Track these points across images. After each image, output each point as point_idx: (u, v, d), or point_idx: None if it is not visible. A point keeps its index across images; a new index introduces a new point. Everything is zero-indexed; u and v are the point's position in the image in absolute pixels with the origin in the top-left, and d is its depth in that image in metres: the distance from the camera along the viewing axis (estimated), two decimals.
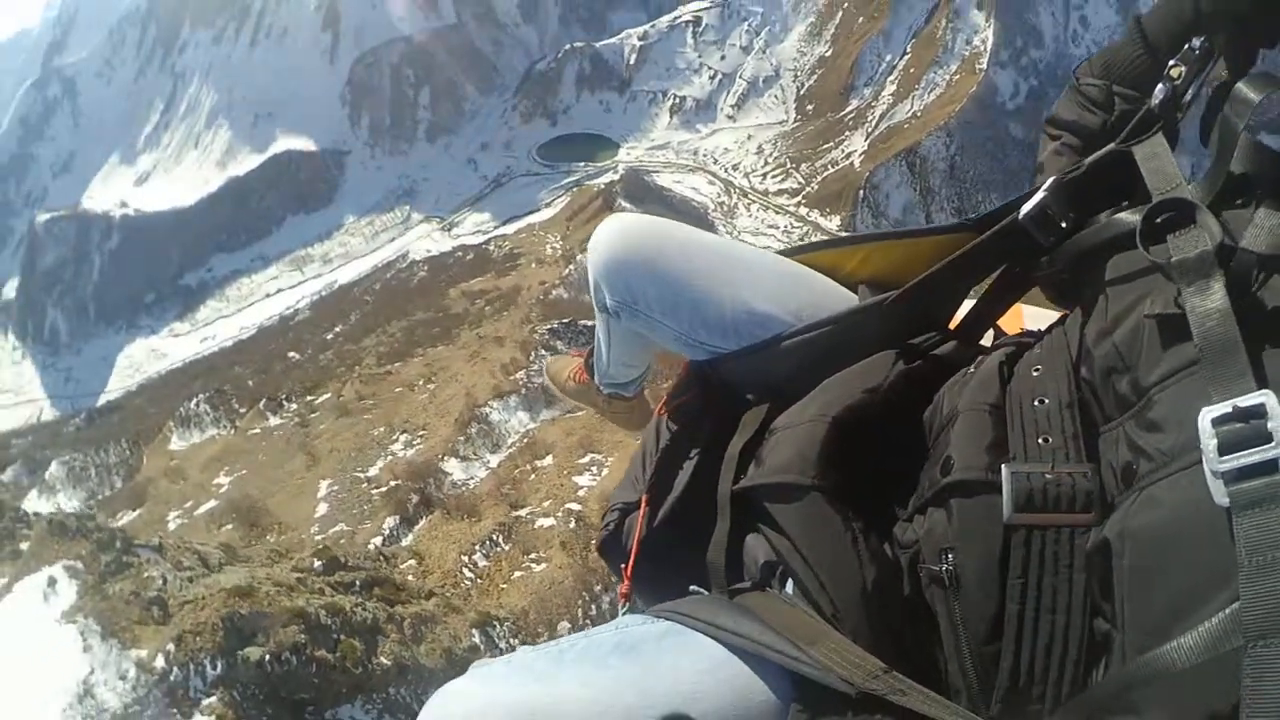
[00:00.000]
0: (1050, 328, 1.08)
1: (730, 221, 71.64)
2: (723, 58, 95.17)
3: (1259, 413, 0.68)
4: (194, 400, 18.97)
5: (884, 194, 68.97)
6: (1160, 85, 1.03)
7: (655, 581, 1.30)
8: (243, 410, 18.02)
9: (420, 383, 17.20)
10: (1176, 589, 0.71)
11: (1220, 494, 0.68)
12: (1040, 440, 0.90)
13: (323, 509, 10.87)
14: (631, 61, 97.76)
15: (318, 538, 9.36)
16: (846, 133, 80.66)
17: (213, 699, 2.98)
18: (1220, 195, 0.87)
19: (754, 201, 76.11)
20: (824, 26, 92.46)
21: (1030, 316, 1.53)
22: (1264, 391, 0.70)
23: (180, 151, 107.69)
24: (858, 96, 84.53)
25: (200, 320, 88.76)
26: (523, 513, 9.21)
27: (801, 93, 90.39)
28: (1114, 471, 0.83)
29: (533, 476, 10.64)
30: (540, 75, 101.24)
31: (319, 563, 5.63)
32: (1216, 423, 0.70)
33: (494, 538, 8.29)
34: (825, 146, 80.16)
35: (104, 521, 5.35)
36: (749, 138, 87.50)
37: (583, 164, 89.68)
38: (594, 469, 10.32)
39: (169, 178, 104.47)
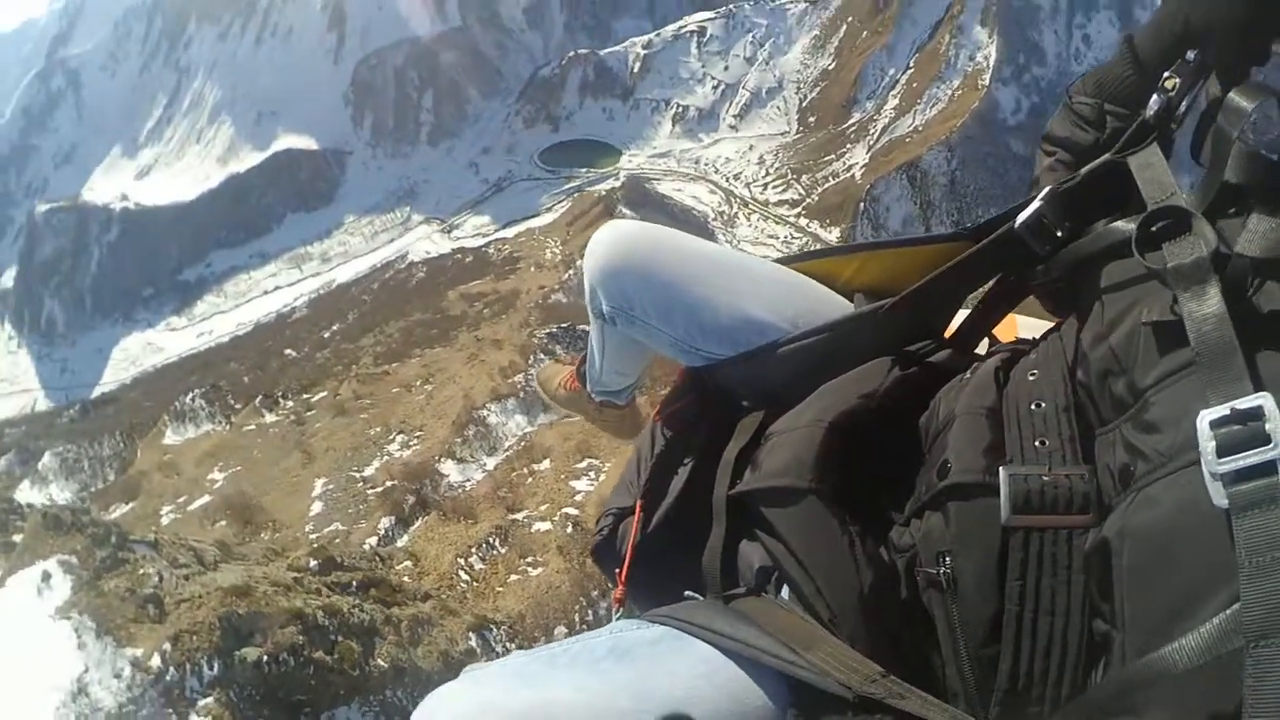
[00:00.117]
0: (1046, 334, 1.08)
1: (730, 231, 71.76)
2: (726, 68, 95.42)
3: (1257, 415, 0.69)
4: (189, 395, 18.85)
5: (884, 206, 69.10)
6: (1155, 96, 1.03)
7: (649, 587, 1.30)
8: (238, 406, 17.93)
9: (418, 384, 17.13)
10: (1176, 588, 0.71)
11: (1219, 496, 0.68)
12: (1037, 443, 0.90)
13: (317, 508, 10.78)
14: (635, 69, 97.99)
15: (312, 537, 9.29)
16: (848, 145, 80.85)
17: (209, 700, 2.92)
18: (1214, 204, 0.88)
19: (754, 211, 76.25)
20: (828, 39, 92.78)
21: (1024, 326, 1.54)
22: (1262, 394, 0.70)
23: (182, 146, 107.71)
24: (860, 109, 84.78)
25: (197, 315, 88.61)
26: (519, 516, 9.14)
27: (804, 104, 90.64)
28: (1111, 474, 0.83)
29: (530, 480, 10.57)
30: (544, 81, 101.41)
31: (315, 562, 5.57)
32: (1215, 425, 0.70)
33: (490, 541, 8.22)
34: (826, 158, 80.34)
35: (99, 516, 5.28)
36: (751, 148, 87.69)
37: (584, 170, 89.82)
38: (591, 474, 10.26)
39: (170, 172, 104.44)
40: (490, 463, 11.74)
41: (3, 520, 5.27)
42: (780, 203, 76.78)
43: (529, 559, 7.93)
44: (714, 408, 1.35)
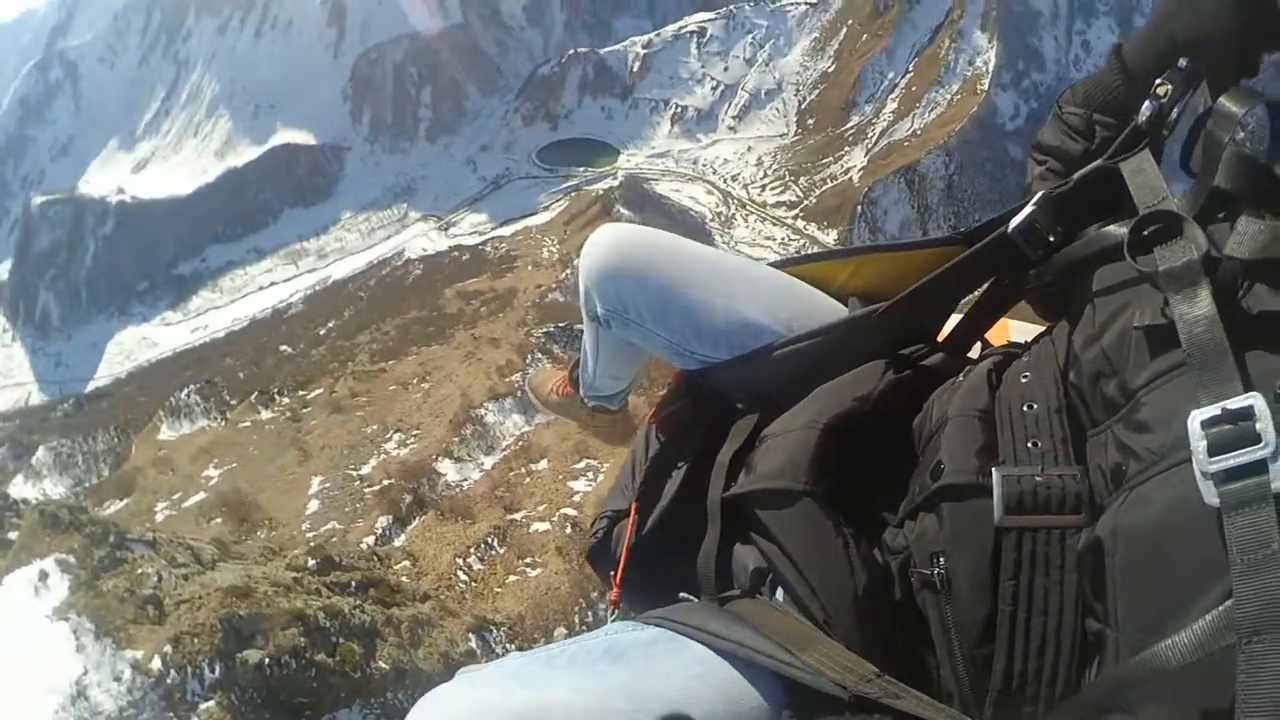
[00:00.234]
0: (1038, 338, 1.09)
1: (727, 232, 71.76)
2: (726, 69, 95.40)
3: (1247, 414, 0.70)
4: (184, 390, 18.78)
5: (882, 210, 69.16)
6: (1147, 103, 1.03)
7: (645, 589, 1.30)
8: (234, 402, 17.86)
9: (414, 381, 17.09)
10: (1169, 585, 0.72)
11: (1210, 495, 0.69)
12: (1030, 444, 0.91)
13: (314, 506, 10.74)
14: (635, 69, 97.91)
15: (309, 535, 9.24)
16: (846, 148, 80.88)
17: (210, 703, 2.88)
18: (1205, 208, 0.88)
19: (752, 213, 76.22)
20: (828, 42, 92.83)
21: (1016, 331, 1.52)
22: (1252, 394, 0.71)
23: (179, 140, 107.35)
24: (859, 112, 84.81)
25: (192, 310, 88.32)
26: (518, 516, 9.11)
27: (803, 106, 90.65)
28: (1103, 474, 0.84)
29: (527, 480, 10.55)
30: (543, 79, 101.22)
31: (313, 562, 5.53)
32: (1206, 425, 0.71)
33: (489, 541, 8.19)
34: (825, 161, 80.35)
35: (96, 514, 5.23)
36: (749, 149, 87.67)
37: (582, 169, 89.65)
38: (589, 474, 10.24)
39: (167, 165, 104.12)
40: (488, 462, 11.70)
41: None
42: (778, 204, 76.79)
43: (527, 559, 7.91)
44: (709, 411, 1.36)
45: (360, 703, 3.67)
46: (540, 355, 16.92)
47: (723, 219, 74.79)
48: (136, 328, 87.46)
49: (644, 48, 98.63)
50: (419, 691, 0.98)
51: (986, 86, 76.54)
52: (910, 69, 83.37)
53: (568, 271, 39.30)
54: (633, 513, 1.33)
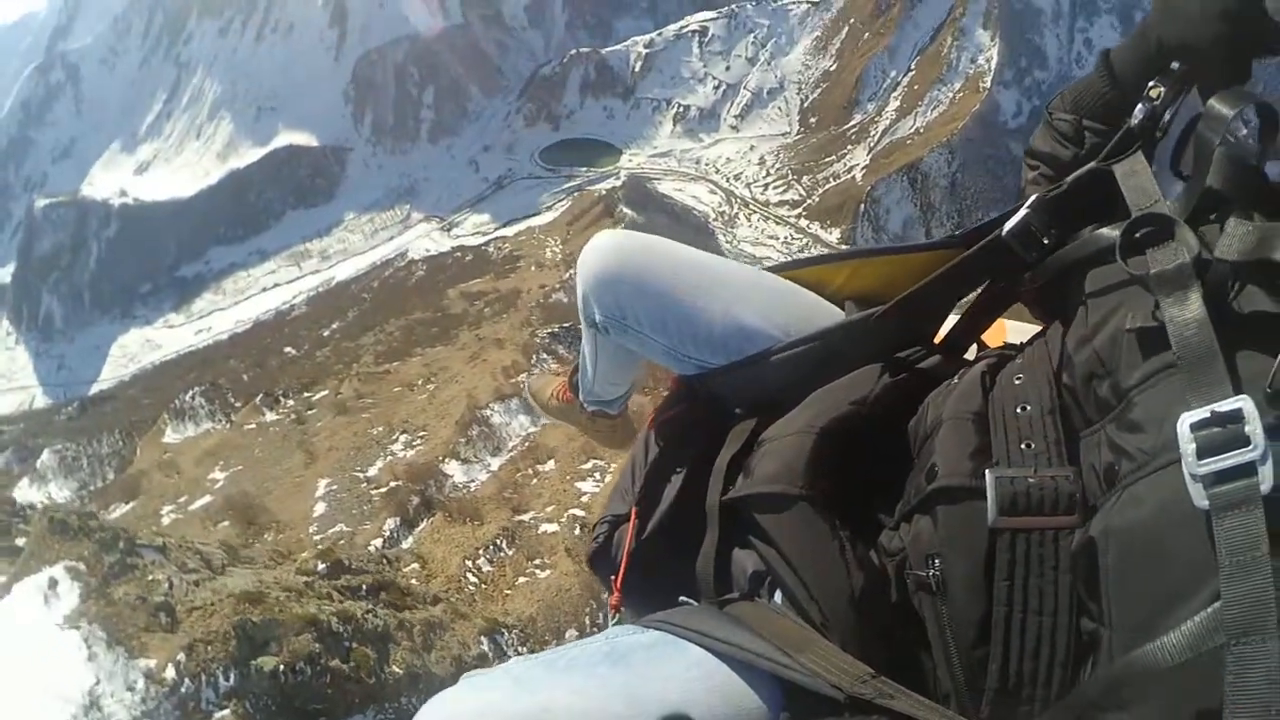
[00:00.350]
0: (1031, 340, 1.10)
1: (730, 231, 71.72)
2: (728, 68, 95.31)
3: (1236, 417, 0.70)
4: (189, 393, 18.73)
5: (884, 208, 69.10)
6: (1140, 105, 1.03)
7: (645, 593, 1.31)
8: (238, 405, 17.81)
9: (420, 383, 17.03)
10: (1160, 585, 0.72)
11: (1200, 497, 0.69)
12: (1023, 446, 0.91)
13: (321, 508, 10.68)
14: (637, 69, 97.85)
15: (317, 538, 9.20)
16: (849, 146, 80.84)
17: (225, 712, 2.83)
18: (1197, 210, 0.89)
19: (755, 212, 76.21)
20: (829, 41, 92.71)
21: (1013, 331, 1.52)
22: (1241, 396, 0.71)
23: (181, 142, 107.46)
24: (861, 111, 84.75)
25: (196, 312, 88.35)
26: (526, 517, 9.06)
27: (805, 105, 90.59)
28: (1096, 474, 0.84)
29: (535, 481, 10.49)
30: (545, 79, 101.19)
31: (323, 565, 5.47)
32: (1195, 428, 0.72)
33: (498, 542, 8.14)
34: (827, 159, 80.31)
35: (105, 520, 5.19)
36: (751, 148, 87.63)
37: (585, 169, 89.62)
38: (597, 475, 10.18)
39: (169, 168, 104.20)
40: (495, 463, 11.65)
41: (6, 523, 5.18)
42: (781, 203, 76.75)
43: (537, 561, 7.86)
44: (707, 415, 1.37)
45: (375, 708, 3.63)
46: (545, 356, 16.87)
47: (726, 218, 74.76)
48: (140, 330, 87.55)
49: (646, 47, 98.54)
50: (432, 696, 1.00)
51: (989, 84, 76.40)
52: (912, 67, 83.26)
53: (571, 271, 39.18)
54: (633, 517, 1.34)
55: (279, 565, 5.49)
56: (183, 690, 2.85)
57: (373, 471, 11.73)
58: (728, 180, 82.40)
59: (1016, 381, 1.00)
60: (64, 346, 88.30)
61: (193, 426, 17.19)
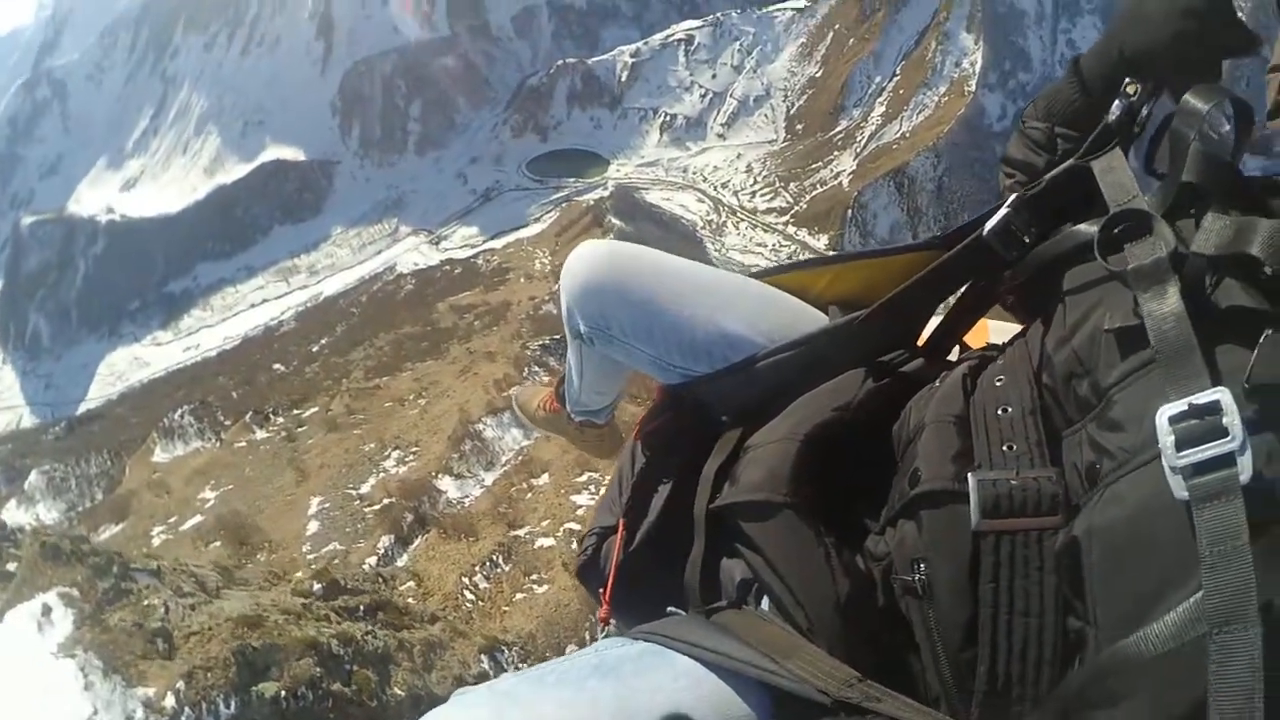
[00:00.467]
0: (1012, 340, 1.11)
1: (719, 239, 71.80)
2: (714, 76, 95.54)
3: (1214, 409, 0.71)
4: (178, 411, 18.61)
5: (872, 213, 69.37)
6: (1117, 101, 1.04)
7: (634, 604, 1.31)
8: (228, 422, 17.70)
9: (410, 398, 16.95)
10: (1143, 580, 0.73)
11: (1179, 489, 0.70)
12: (1005, 448, 0.92)
13: (314, 527, 10.60)
14: (623, 78, 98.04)
15: (310, 557, 9.13)
16: (835, 152, 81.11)
17: None
18: (1174, 205, 0.90)
19: (742, 219, 76.32)
20: (815, 47, 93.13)
21: (996, 330, 1.53)
22: (1219, 388, 0.72)
23: (168, 158, 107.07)
24: (847, 117, 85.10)
25: (184, 329, 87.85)
26: (521, 532, 9.02)
27: (791, 112, 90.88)
28: (1078, 473, 0.85)
29: (529, 495, 10.46)
30: (532, 90, 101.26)
31: (319, 585, 5.43)
32: (1173, 420, 0.73)
33: (494, 558, 8.11)
34: (814, 166, 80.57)
35: (98, 543, 5.13)
36: (739, 156, 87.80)
37: (572, 180, 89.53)
38: (592, 488, 10.15)
39: (156, 184, 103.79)
40: (488, 478, 11.60)
41: None
42: (768, 210, 76.91)
43: (534, 576, 7.82)
44: (693, 424, 1.36)
45: None
46: (537, 368, 16.83)
47: (714, 226, 74.83)
48: (128, 348, 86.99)
49: (632, 57, 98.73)
50: None
51: (973, 88, 76.87)
52: (897, 72, 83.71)
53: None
54: (620, 529, 1.33)
55: (274, 586, 5.44)
56: (183, 719, 2.81)
57: (365, 489, 11.66)
58: (715, 188, 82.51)
59: (998, 383, 1.00)
60: (51, 365, 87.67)
61: (182, 445, 17.07)
